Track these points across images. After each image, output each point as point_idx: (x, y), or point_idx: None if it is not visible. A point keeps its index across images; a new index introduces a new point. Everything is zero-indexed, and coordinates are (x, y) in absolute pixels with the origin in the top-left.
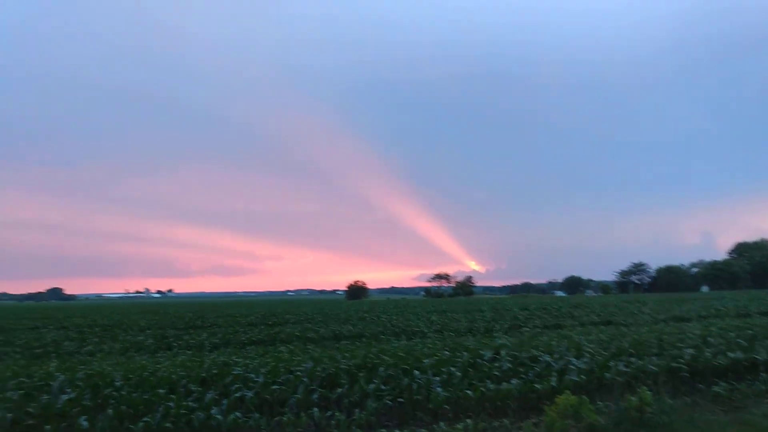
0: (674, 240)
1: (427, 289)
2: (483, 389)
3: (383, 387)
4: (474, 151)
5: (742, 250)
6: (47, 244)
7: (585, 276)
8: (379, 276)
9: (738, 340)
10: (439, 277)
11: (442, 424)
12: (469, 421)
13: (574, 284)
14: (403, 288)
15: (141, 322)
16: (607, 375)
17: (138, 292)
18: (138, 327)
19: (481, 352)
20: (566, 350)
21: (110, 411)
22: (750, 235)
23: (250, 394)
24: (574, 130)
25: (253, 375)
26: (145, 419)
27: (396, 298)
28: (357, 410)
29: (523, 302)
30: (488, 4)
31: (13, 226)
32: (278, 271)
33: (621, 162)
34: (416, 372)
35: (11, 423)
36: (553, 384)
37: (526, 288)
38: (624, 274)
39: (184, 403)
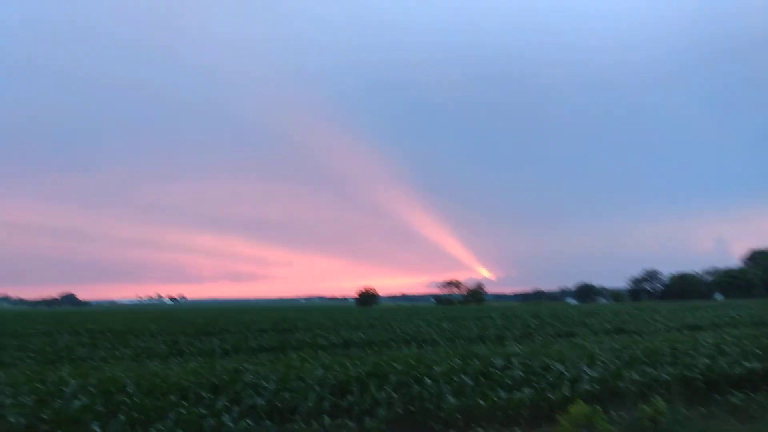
0: (687, 247)
1: (437, 297)
2: (495, 398)
3: (394, 395)
4: (486, 157)
5: (756, 257)
6: (61, 250)
7: (597, 283)
8: (389, 283)
9: (754, 349)
10: (449, 284)
11: None
12: (480, 430)
13: (586, 292)
14: (413, 295)
15: (153, 327)
16: (621, 384)
17: (150, 298)
18: (150, 333)
19: (492, 360)
20: (579, 359)
21: (122, 417)
22: (765, 242)
23: (261, 401)
24: (587, 134)
25: (263, 382)
26: (157, 425)
27: (406, 305)
28: (367, 418)
29: (534, 310)
30: (502, 7)
31: (28, 231)
32: (289, 278)
33: (633, 167)
34: (427, 380)
35: (25, 428)
36: (566, 393)
37: (538, 295)
38: (636, 281)
39: (195, 409)
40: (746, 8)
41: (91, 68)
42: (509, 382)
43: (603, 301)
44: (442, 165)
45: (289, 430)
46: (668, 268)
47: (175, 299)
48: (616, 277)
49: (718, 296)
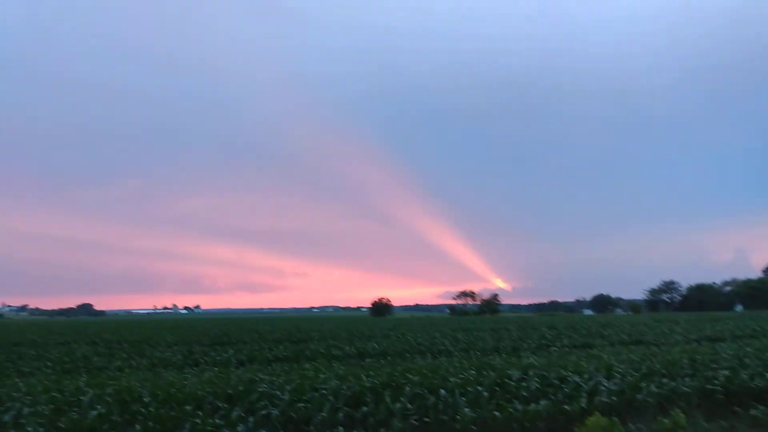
0: (706, 257)
1: (452, 307)
2: (511, 410)
3: (409, 406)
4: (501, 167)
5: None
6: (78, 261)
7: (614, 294)
8: (404, 293)
9: None
10: (464, 294)
11: None
12: None
13: (602, 303)
14: (427, 305)
15: (168, 338)
16: (639, 396)
17: (166, 308)
18: (165, 343)
19: (508, 371)
20: (596, 370)
21: (138, 427)
22: None
23: (275, 411)
24: (604, 144)
25: (278, 392)
26: None
27: (420, 316)
28: (382, 430)
29: (550, 321)
30: (516, 15)
31: (46, 242)
32: (303, 288)
33: (652, 176)
34: (442, 391)
35: None
36: (583, 405)
37: (554, 306)
38: (654, 292)
39: (211, 420)
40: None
41: (111, 80)
42: (525, 393)
43: (620, 312)
44: (458, 175)
45: None
46: (686, 279)
47: (191, 309)
48: (633, 288)
49: (739, 307)
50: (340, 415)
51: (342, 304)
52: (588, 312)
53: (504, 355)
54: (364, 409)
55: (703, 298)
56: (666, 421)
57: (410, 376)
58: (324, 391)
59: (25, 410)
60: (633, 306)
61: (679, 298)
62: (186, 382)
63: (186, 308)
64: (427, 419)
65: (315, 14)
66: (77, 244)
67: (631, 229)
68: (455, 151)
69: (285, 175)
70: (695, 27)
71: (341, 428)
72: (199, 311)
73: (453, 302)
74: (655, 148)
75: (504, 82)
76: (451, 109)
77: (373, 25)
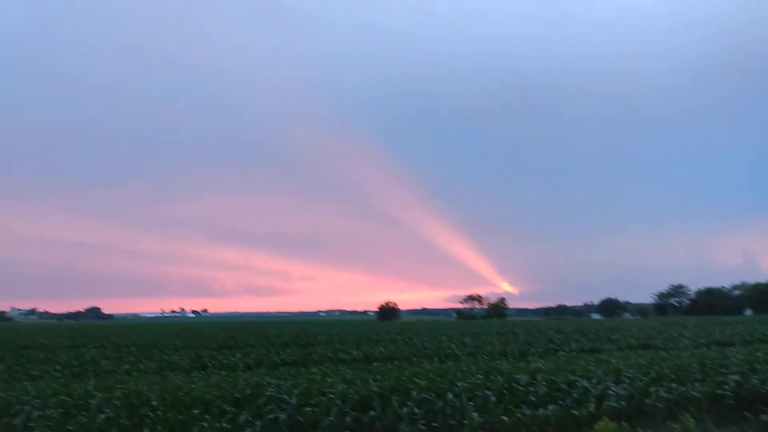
0: (714, 261)
1: (459, 311)
2: (519, 415)
3: (416, 411)
4: (508, 170)
5: None
6: (86, 265)
7: (622, 298)
8: (410, 297)
9: None
10: (471, 298)
11: None
12: None
13: (610, 307)
14: (434, 309)
15: (176, 341)
16: (648, 401)
17: (174, 312)
18: (173, 346)
19: (516, 376)
20: (604, 375)
21: (146, 431)
22: None
23: (283, 415)
24: (611, 147)
25: (286, 396)
26: None
27: (427, 320)
28: None
29: (558, 325)
30: (526, 23)
31: (54, 246)
32: (310, 292)
33: (659, 179)
34: (450, 396)
35: None
36: (592, 410)
37: (561, 310)
38: (662, 296)
39: (218, 423)
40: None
41: (116, 84)
42: (533, 398)
43: (627, 316)
44: (464, 178)
45: None
46: (695, 282)
47: (198, 313)
48: (641, 292)
49: (748, 311)
50: (348, 419)
51: (349, 308)
52: (596, 316)
53: (511, 360)
54: (372, 413)
55: (712, 302)
56: (676, 426)
57: (418, 381)
58: (331, 396)
59: (35, 413)
60: (641, 310)
61: (688, 302)
62: (194, 386)
63: (193, 312)
64: (435, 424)
65: (316, 15)
66: (85, 248)
67: (639, 232)
68: (463, 156)
69: (291, 178)
70: (700, 26)
71: None
72: (207, 315)
73: (460, 306)
74: (664, 150)
75: (507, 83)
76: (454, 111)
77: (374, 26)
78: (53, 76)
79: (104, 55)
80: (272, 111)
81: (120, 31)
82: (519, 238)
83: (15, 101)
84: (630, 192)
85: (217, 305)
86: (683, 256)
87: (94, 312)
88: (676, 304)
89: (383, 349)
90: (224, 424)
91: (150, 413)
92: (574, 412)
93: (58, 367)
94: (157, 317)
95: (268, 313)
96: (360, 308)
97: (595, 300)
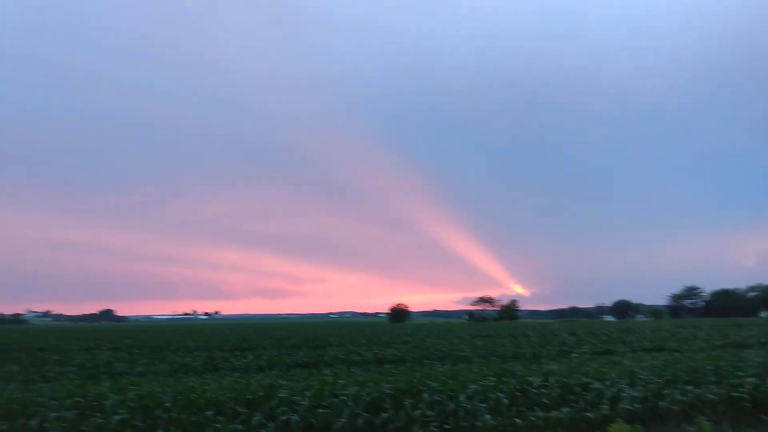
0: (729, 262)
1: (470, 313)
2: (532, 417)
3: (429, 413)
4: (519, 172)
5: None
6: (100, 268)
7: (635, 300)
8: (422, 299)
9: None
10: (482, 300)
11: None
12: None
13: (623, 309)
14: (445, 311)
15: (189, 343)
16: (662, 403)
17: (186, 314)
18: (186, 348)
19: (529, 378)
20: (618, 377)
21: None
22: None
23: (295, 417)
24: (624, 149)
25: (298, 398)
26: None
27: (439, 322)
28: None
29: (570, 327)
30: (534, 31)
31: (68, 249)
32: (321, 294)
33: (673, 180)
34: (462, 398)
35: None
36: (605, 412)
37: (573, 312)
38: (676, 298)
39: (231, 425)
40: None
41: (128, 85)
42: (546, 401)
43: (641, 318)
44: (476, 181)
45: None
46: (709, 284)
47: (210, 315)
48: (654, 294)
49: (764, 313)
50: (360, 421)
51: (360, 310)
52: (608, 318)
53: (524, 362)
54: (384, 415)
55: (727, 304)
56: (691, 429)
57: (430, 383)
58: (344, 397)
59: (51, 415)
60: (654, 312)
61: (702, 303)
62: (206, 388)
63: (206, 314)
64: (447, 426)
65: (330, 17)
66: (99, 251)
67: (652, 233)
68: (474, 157)
69: (302, 181)
70: (720, 24)
71: None
72: (219, 317)
73: (471, 308)
74: (678, 152)
75: (518, 84)
76: (467, 113)
77: (389, 27)
78: (66, 78)
79: (116, 54)
80: (284, 113)
81: (128, 27)
82: (531, 239)
83: (27, 107)
84: (644, 194)
85: (229, 307)
86: (697, 258)
87: (108, 314)
88: (689, 305)
89: (395, 351)
90: (237, 426)
91: (163, 415)
92: (588, 414)
93: (72, 368)
94: (169, 319)
95: (279, 315)
96: (371, 310)
97: (608, 302)
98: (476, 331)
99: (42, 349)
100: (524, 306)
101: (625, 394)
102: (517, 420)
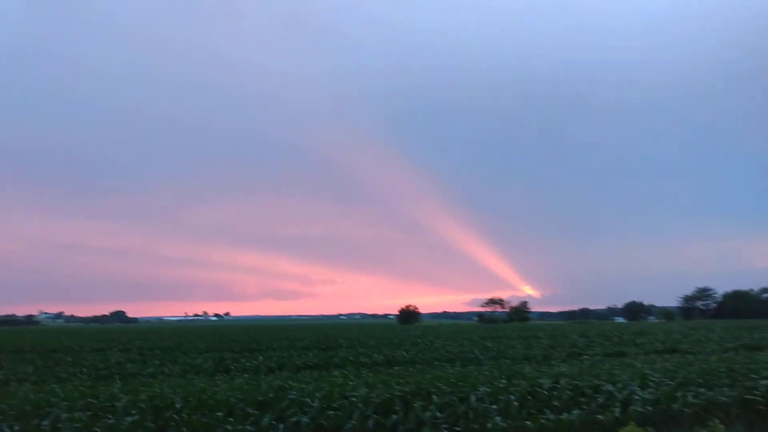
0: (742, 263)
1: (480, 314)
2: (542, 420)
3: (439, 414)
4: (529, 174)
5: None
6: (111, 269)
7: (646, 302)
8: (431, 300)
9: None
10: (492, 302)
11: None
12: None
13: (634, 310)
14: (455, 313)
15: (199, 344)
16: (675, 406)
17: (197, 316)
18: (197, 350)
19: (539, 380)
20: (630, 379)
21: None
22: None
23: (305, 419)
24: (633, 151)
25: (308, 399)
26: None
27: (448, 323)
28: None
29: (581, 329)
30: (544, 30)
31: (80, 251)
32: (331, 295)
33: (685, 181)
34: (472, 400)
35: None
36: (617, 415)
37: (584, 314)
38: (688, 299)
39: (242, 426)
40: None
41: (142, 84)
42: (557, 403)
43: (652, 319)
44: (485, 182)
45: None
46: (722, 285)
47: (221, 316)
48: (666, 296)
49: None
50: (370, 423)
51: (369, 312)
52: (619, 320)
53: (534, 364)
54: (394, 417)
55: (739, 306)
56: (703, 431)
57: (440, 384)
58: (354, 399)
59: (63, 416)
60: (666, 313)
61: (715, 305)
62: (217, 389)
63: (216, 315)
64: (458, 428)
65: (345, 31)
66: (110, 253)
67: (664, 234)
68: (484, 159)
69: (313, 183)
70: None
71: None
72: (229, 318)
73: (481, 310)
74: (692, 153)
75: (530, 85)
76: (477, 115)
77: (401, 30)
78: (83, 82)
79: (134, 53)
80: (297, 116)
81: (148, 24)
82: (541, 241)
83: (43, 109)
84: (656, 195)
85: (240, 309)
86: (710, 259)
87: (119, 316)
88: (702, 307)
89: (405, 353)
90: (248, 427)
91: (174, 416)
92: (599, 417)
93: (84, 369)
94: (180, 321)
95: (289, 316)
96: (380, 311)
97: (619, 303)
98: (486, 332)
99: (54, 350)
100: (535, 308)
101: (636, 397)
102: (527, 422)
